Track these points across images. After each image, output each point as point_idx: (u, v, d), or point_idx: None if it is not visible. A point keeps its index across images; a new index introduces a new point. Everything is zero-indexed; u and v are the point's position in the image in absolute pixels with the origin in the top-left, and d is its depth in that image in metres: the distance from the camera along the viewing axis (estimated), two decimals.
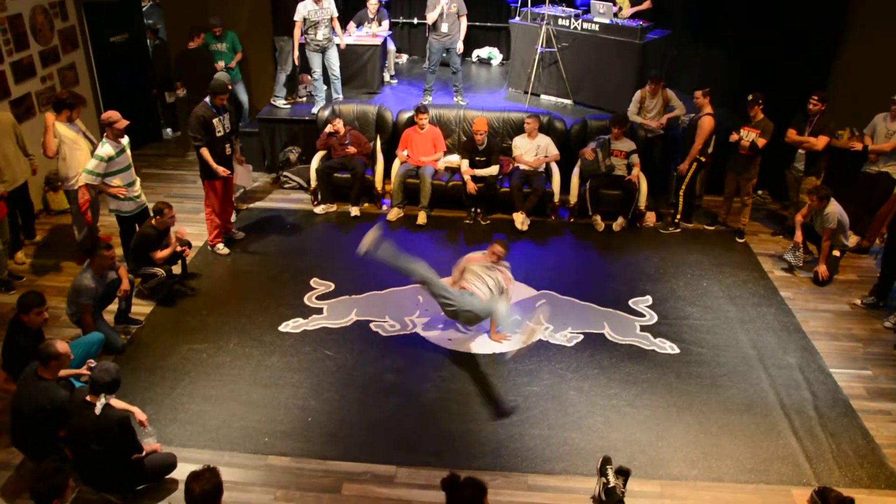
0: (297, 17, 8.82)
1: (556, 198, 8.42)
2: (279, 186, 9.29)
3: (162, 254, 6.67)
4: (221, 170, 7.26)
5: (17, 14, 7.97)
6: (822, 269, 7.27)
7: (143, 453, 4.61)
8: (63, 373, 4.87)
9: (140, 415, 4.86)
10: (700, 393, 5.79)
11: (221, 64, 9.35)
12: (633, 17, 9.53)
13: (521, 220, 8.23)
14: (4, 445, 5.03)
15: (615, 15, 9.44)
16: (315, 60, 9.11)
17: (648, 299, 6.99)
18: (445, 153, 8.68)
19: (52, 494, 3.83)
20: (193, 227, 8.01)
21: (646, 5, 9.39)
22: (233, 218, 8.03)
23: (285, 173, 9.25)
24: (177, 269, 7.05)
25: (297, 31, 8.97)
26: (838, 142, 7.76)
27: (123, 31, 9.78)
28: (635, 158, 8.24)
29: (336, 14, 8.97)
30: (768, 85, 8.40)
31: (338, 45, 9.17)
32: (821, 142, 7.55)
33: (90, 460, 4.51)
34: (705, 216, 8.56)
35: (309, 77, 9.96)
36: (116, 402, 4.78)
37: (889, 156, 7.55)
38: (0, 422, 5.21)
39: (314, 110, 9.26)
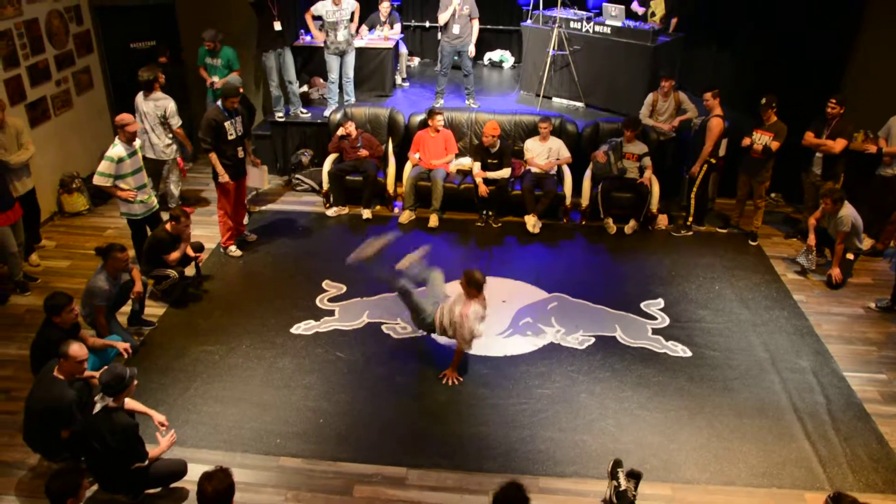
0: (314, 11, 8.87)
1: (568, 200, 8.41)
2: (291, 189, 9.33)
3: (174, 255, 6.70)
4: (223, 175, 7.27)
5: (33, 18, 8.05)
6: (835, 272, 7.23)
7: (146, 462, 4.58)
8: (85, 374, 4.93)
9: (157, 417, 4.89)
10: (712, 396, 5.77)
11: (216, 79, 9.15)
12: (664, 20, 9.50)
13: (532, 222, 8.22)
14: (19, 444, 5.08)
15: (647, 19, 9.41)
16: (333, 64, 9.14)
17: (660, 302, 6.97)
18: (457, 156, 8.70)
19: (67, 493, 3.86)
20: (206, 230, 8.07)
21: (673, 24, 9.38)
22: (245, 220, 8.08)
23: (297, 176, 9.29)
24: (190, 271, 7.09)
25: (313, 30, 9.01)
26: (852, 144, 7.71)
27: (149, 39, 9.80)
28: (647, 161, 8.23)
29: (355, 8, 9.03)
30: (781, 87, 8.36)
31: (356, 50, 9.27)
32: (838, 145, 7.49)
33: (95, 460, 4.53)
34: (718, 219, 8.53)
35: (321, 80, 10.02)
36: (133, 404, 4.81)
37: None
38: (17, 421, 5.26)
39: (326, 113, 9.29)
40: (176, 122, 7.84)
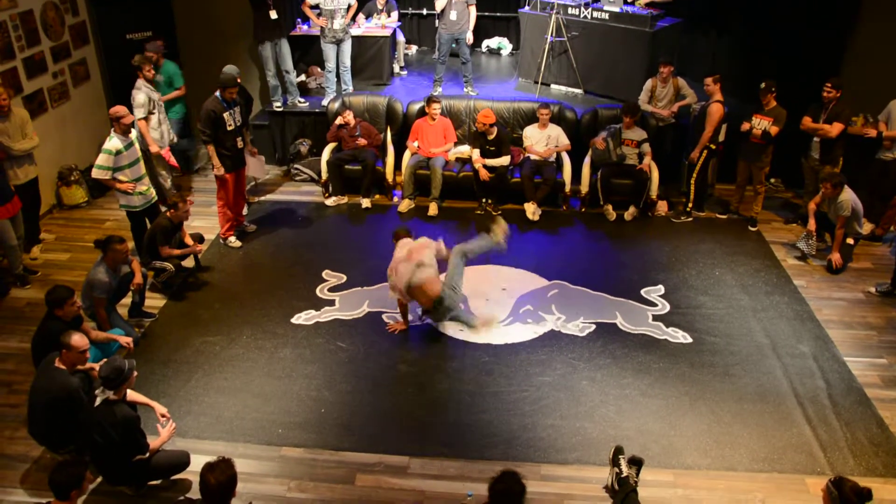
0: (311, 2, 8.82)
1: (568, 188, 8.40)
2: (290, 179, 9.31)
3: (174, 252, 6.71)
4: (218, 168, 7.27)
5: (28, 10, 8.00)
6: (835, 257, 7.22)
7: (147, 454, 4.59)
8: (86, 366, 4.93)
9: (159, 408, 4.90)
10: (713, 382, 5.78)
11: (158, 95, 8.21)
12: (648, 5, 9.44)
13: (532, 210, 8.21)
14: (22, 438, 5.09)
15: (632, 2, 9.38)
16: (329, 53, 9.10)
17: (661, 289, 6.97)
18: (456, 144, 8.68)
19: (71, 485, 3.87)
20: (205, 221, 8.07)
21: None
22: (244, 211, 8.07)
23: (296, 166, 9.27)
24: (189, 263, 7.10)
25: (313, 18, 8.95)
26: (852, 128, 7.69)
27: (145, 29, 9.73)
28: (646, 147, 8.20)
29: (354, 2, 8.99)
30: (781, 72, 8.33)
31: (351, 38, 9.22)
32: (835, 129, 7.47)
33: (98, 452, 4.54)
34: (717, 205, 8.51)
35: (318, 69, 9.97)
36: (134, 395, 4.82)
37: None
38: (19, 414, 5.28)
39: (324, 102, 9.26)
40: (138, 113, 7.58)
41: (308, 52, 10.21)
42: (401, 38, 10.78)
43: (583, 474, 4.94)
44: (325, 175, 8.64)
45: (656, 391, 5.68)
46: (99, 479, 4.74)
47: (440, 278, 6.00)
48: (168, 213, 6.67)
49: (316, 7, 8.87)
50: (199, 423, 5.34)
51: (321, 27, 8.97)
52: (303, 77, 10.11)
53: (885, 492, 4.79)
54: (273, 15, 8.61)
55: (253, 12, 8.74)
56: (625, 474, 4.62)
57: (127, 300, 6.43)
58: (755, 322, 6.51)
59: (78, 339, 4.71)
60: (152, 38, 9.52)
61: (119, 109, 6.65)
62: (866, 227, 7.63)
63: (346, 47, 9.19)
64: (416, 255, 5.96)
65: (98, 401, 4.45)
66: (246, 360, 6.02)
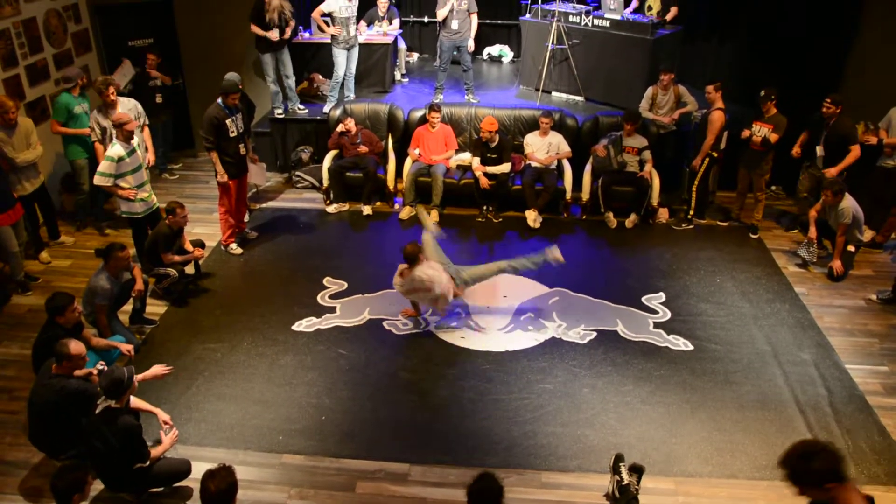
0: (326, 8, 8.83)
1: (569, 195, 8.40)
2: (292, 186, 9.33)
3: (175, 258, 6.72)
4: (222, 175, 7.29)
5: (31, 17, 8.04)
6: (836, 264, 7.22)
7: (148, 462, 4.58)
8: (77, 373, 4.92)
9: (161, 415, 4.90)
10: (714, 389, 5.77)
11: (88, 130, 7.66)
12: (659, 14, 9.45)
13: (533, 217, 8.22)
14: (23, 444, 5.09)
15: (645, 11, 9.39)
16: (341, 59, 9.13)
17: (661, 296, 6.97)
18: (457, 151, 8.69)
19: (72, 490, 3.86)
20: (207, 228, 8.08)
21: (672, 13, 9.33)
22: (246, 218, 8.08)
23: (297, 173, 9.29)
24: (190, 270, 7.10)
25: (326, 28, 8.96)
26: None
27: (146, 36, 9.77)
28: (647, 155, 8.21)
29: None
30: (781, 79, 8.34)
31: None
32: (854, 153, 7.38)
33: (99, 459, 4.54)
34: (718, 212, 8.52)
35: (320, 77, 9.99)
36: (137, 402, 4.82)
37: None
38: (19, 420, 5.28)
39: (326, 110, 9.29)
40: (93, 135, 7.48)
41: (311, 60, 10.24)
42: (402, 45, 10.82)
43: (584, 482, 4.93)
44: (326, 182, 8.66)
45: (657, 399, 5.67)
46: (101, 487, 4.74)
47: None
48: (167, 220, 6.68)
49: (327, 16, 8.88)
50: (200, 430, 5.34)
51: (333, 35, 8.96)
52: (304, 84, 10.12)
53: (887, 500, 4.77)
54: (274, 36, 8.56)
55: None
56: (626, 482, 4.62)
57: (128, 307, 6.43)
58: (756, 329, 6.50)
59: (76, 347, 4.69)
60: (154, 45, 9.57)
61: (122, 116, 6.68)
62: (867, 235, 7.64)
63: (356, 53, 9.23)
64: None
65: (100, 408, 4.45)
66: (247, 366, 6.02)
